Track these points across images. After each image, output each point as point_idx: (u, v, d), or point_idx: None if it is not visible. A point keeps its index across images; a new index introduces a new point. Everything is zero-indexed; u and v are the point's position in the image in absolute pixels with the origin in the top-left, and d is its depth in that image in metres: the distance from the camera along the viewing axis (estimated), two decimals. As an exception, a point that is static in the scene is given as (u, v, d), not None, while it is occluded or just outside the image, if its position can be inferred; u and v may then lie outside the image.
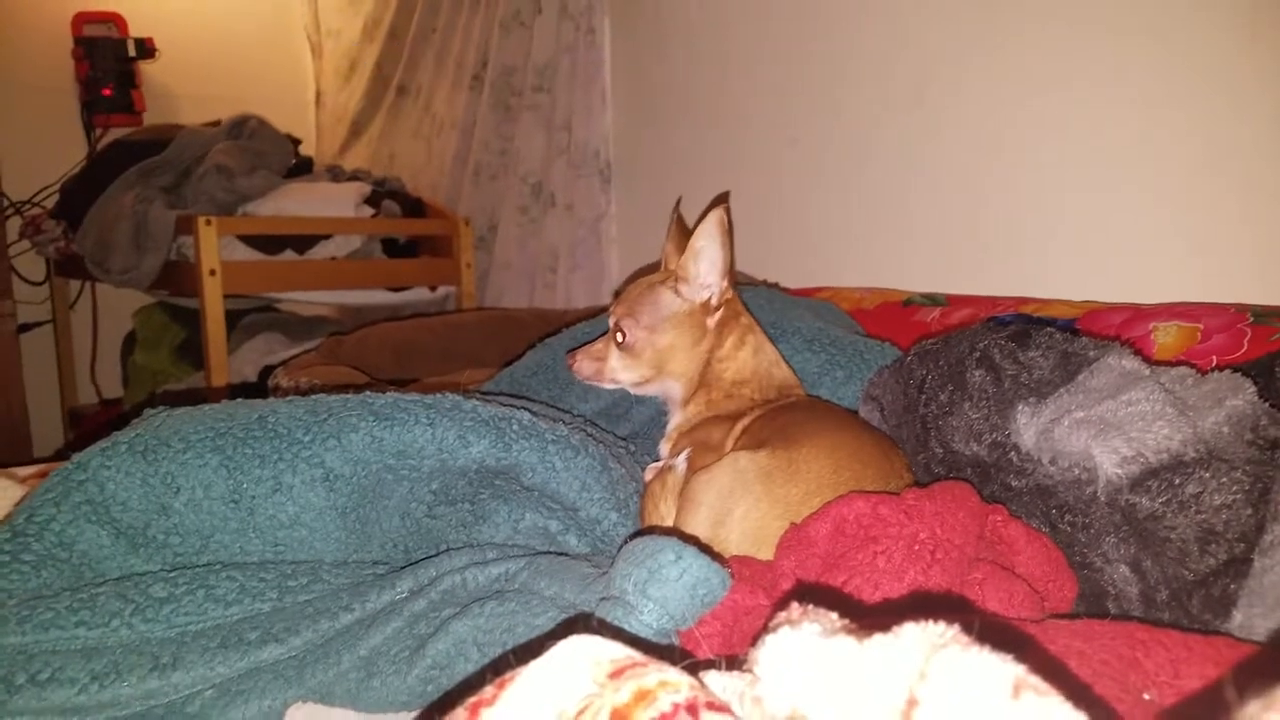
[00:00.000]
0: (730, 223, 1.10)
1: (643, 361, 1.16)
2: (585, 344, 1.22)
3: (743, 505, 0.90)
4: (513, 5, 2.67)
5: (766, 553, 0.86)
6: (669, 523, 0.96)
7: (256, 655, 0.74)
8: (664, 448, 1.16)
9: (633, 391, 1.21)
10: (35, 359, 3.32)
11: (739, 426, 1.06)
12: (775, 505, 0.90)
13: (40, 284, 3.36)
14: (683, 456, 1.04)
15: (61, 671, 0.72)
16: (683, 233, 1.20)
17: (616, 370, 1.17)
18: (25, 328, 3.27)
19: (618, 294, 1.23)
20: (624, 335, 1.15)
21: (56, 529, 0.87)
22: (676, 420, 1.17)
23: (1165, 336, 1.16)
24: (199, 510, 0.91)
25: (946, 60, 1.64)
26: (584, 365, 1.19)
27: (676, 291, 1.14)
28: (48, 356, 3.40)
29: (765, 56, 2.00)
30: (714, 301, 1.14)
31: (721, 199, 1.14)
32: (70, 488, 0.89)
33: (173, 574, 0.83)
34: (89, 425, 3.19)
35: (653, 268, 1.35)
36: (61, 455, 0.97)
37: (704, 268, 1.12)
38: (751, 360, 1.16)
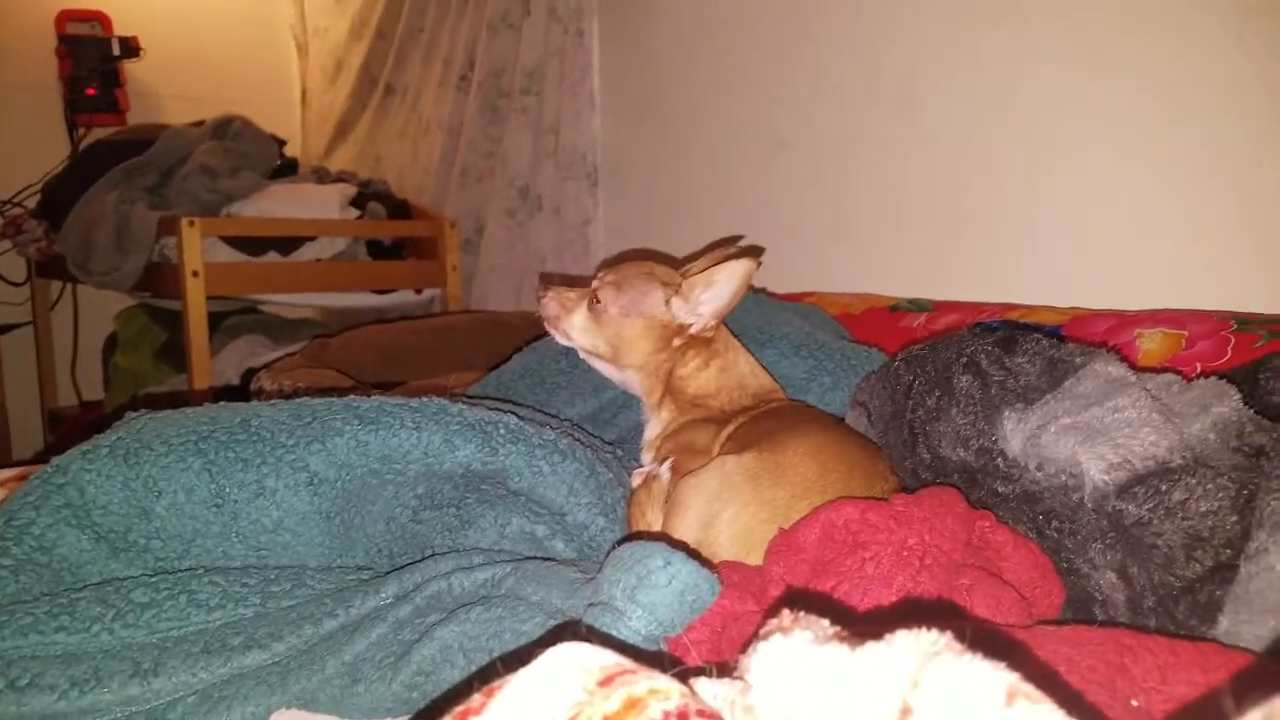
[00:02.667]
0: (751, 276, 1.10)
1: (601, 337, 1.15)
2: (563, 287, 1.20)
3: (731, 508, 0.90)
4: (501, 6, 2.66)
5: (756, 555, 0.86)
6: (657, 530, 0.96)
7: (239, 661, 0.73)
8: (645, 456, 1.15)
9: (582, 356, 1.20)
10: (15, 360, 3.29)
11: (725, 432, 1.06)
12: (763, 508, 0.89)
13: (21, 284, 3.32)
14: (667, 464, 1.03)
15: (41, 677, 0.71)
16: (714, 258, 1.19)
17: (575, 326, 1.16)
18: (5, 329, 3.24)
19: (608, 263, 1.21)
20: (599, 301, 1.14)
21: (36, 533, 0.85)
22: (654, 427, 1.17)
23: (1150, 343, 1.17)
24: (181, 514, 0.90)
25: (934, 66, 1.64)
26: (550, 305, 1.18)
27: (669, 300, 1.13)
28: (28, 358, 3.37)
29: (753, 61, 2.00)
30: (691, 331, 1.13)
31: (755, 251, 1.13)
32: (50, 491, 0.88)
33: (154, 579, 0.82)
34: (69, 427, 3.15)
35: (648, 255, 1.34)
36: (41, 458, 0.96)
37: (706, 301, 1.11)
38: (716, 378, 1.15)
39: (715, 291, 1.10)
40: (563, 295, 1.18)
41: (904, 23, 1.69)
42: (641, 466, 1.15)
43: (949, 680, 0.36)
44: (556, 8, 2.44)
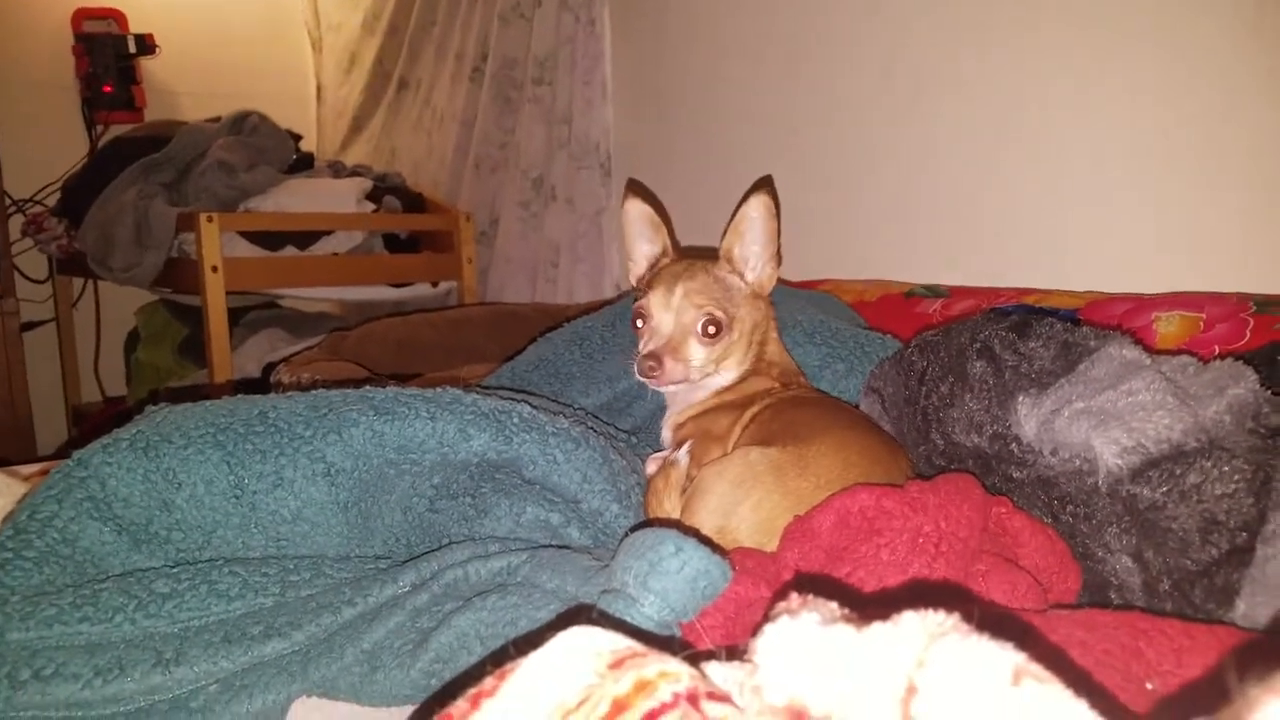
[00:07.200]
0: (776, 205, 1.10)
1: (733, 345, 1.12)
2: (650, 352, 1.08)
3: (755, 495, 0.90)
4: (512, -2, 2.66)
5: (776, 544, 0.85)
6: (675, 518, 0.96)
7: (260, 650, 0.74)
8: (666, 433, 1.14)
9: (692, 380, 1.11)
10: (38, 357, 3.32)
11: (746, 415, 1.06)
12: (787, 497, 0.89)
13: (43, 282, 3.36)
14: (684, 449, 1.03)
15: (65, 667, 0.72)
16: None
17: (698, 360, 1.09)
18: (28, 326, 3.28)
19: (650, 284, 1.13)
20: (717, 328, 1.09)
21: (59, 526, 0.87)
22: (718, 381, 1.15)
23: (1167, 326, 1.16)
24: (201, 506, 0.91)
25: (948, 52, 1.63)
26: (674, 369, 1.08)
27: (725, 275, 1.14)
28: (51, 354, 3.41)
29: (766, 48, 1.99)
30: (762, 281, 1.15)
31: (764, 182, 1.12)
32: (72, 484, 0.89)
33: (175, 569, 0.83)
34: (92, 423, 3.19)
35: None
36: (64, 453, 0.97)
37: (749, 248, 1.13)
38: (777, 342, 1.18)
39: (749, 236, 1.12)
40: (673, 352, 1.08)
41: (918, 10, 1.68)
42: (658, 450, 1.14)
43: (954, 660, 0.36)
44: (568, -2, 2.44)
